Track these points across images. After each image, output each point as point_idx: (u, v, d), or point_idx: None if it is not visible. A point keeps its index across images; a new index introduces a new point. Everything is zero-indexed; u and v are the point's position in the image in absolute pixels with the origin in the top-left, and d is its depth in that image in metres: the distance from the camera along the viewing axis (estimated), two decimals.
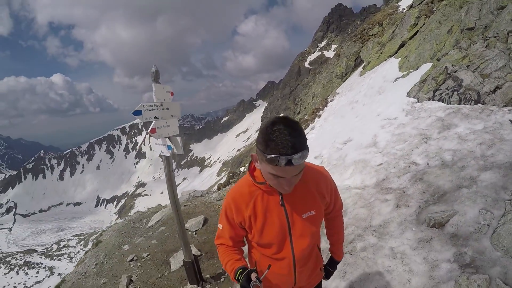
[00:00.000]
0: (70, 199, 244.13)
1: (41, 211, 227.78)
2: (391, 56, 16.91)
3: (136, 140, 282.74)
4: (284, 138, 1.66)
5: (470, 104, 7.68)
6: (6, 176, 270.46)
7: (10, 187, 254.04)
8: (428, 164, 5.80)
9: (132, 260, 6.76)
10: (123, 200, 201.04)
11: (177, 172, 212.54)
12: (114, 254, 7.38)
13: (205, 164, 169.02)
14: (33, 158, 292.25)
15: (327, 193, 2.27)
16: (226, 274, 5.55)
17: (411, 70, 12.05)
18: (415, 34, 15.96)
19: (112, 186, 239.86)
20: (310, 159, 9.18)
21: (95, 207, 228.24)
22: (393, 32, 19.93)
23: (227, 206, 2.21)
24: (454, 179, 4.88)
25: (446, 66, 9.01)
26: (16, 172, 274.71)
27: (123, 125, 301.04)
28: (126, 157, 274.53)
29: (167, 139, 4.41)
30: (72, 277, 7.29)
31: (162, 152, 4.52)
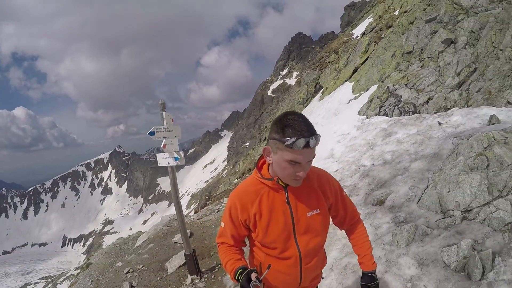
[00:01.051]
0: (35, 240, 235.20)
1: (4, 253, 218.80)
2: (346, 81, 18.45)
3: (101, 175, 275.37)
4: (300, 123, 1.83)
5: (408, 115, 9.42)
6: None
7: None
8: (373, 164, 7.44)
9: (128, 272, 7.52)
10: (90, 239, 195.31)
11: (145, 207, 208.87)
12: (108, 271, 8.04)
13: (172, 199, 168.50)
14: None
15: (330, 193, 2.35)
16: (219, 265, 6.68)
17: (362, 92, 13.74)
18: (366, 59, 17.64)
19: (79, 224, 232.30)
20: None
21: (61, 247, 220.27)
22: (347, 59, 21.80)
23: (232, 204, 2.25)
24: (392, 171, 6.46)
25: (388, 86, 10.81)
26: None
27: (88, 161, 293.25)
28: (92, 194, 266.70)
29: (174, 152, 5.83)
30: None
31: (169, 164, 5.88)
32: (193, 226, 9.92)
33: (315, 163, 9.46)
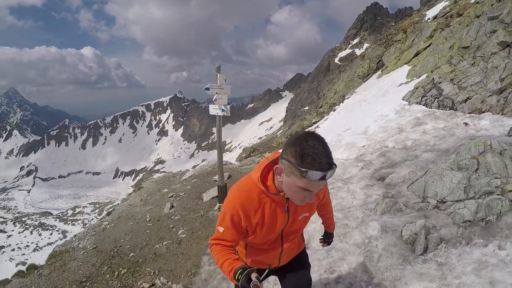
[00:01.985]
0: (90, 168, 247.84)
1: (60, 177, 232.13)
2: (406, 63, 18.46)
3: (160, 118, 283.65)
4: (320, 153, 1.79)
5: (445, 110, 9.80)
6: (30, 141, 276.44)
7: (33, 151, 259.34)
8: (394, 147, 8.11)
9: (171, 196, 9.18)
10: (141, 175, 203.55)
11: (197, 153, 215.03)
12: (156, 194, 9.86)
13: (225, 148, 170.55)
14: (57, 125, 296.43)
15: (321, 194, 2.57)
16: None
17: (414, 78, 13.98)
18: (429, 46, 17.59)
19: (132, 160, 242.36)
20: None
21: (113, 178, 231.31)
22: (412, 41, 21.59)
23: (234, 211, 2.23)
24: (404, 156, 7.14)
25: (433, 78, 11.14)
26: (40, 137, 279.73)
27: (149, 102, 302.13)
28: (148, 133, 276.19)
29: (222, 105, 7.15)
30: (120, 207, 9.75)
31: (218, 113, 7.21)
32: (233, 171, 11.28)
33: (347, 137, 10.08)
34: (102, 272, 5.83)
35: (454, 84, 10.49)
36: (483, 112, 9.06)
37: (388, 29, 55.61)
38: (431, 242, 4.08)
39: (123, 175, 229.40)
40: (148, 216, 8.09)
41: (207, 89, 6.98)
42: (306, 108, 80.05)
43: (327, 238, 3.20)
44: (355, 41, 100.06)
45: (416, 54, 18.43)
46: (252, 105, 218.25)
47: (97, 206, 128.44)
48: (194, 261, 5.81)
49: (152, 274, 5.58)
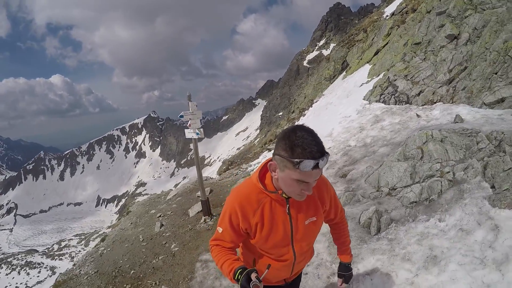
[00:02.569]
0: (71, 200, 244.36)
1: (41, 211, 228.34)
2: (367, 63, 19.36)
3: (136, 140, 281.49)
4: (309, 143, 1.79)
5: (402, 105, 10.64)
6: (7, 177, 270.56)
7: (11, 188, 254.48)
8: (355, 145, 8.92)
9: (159, 216, 9.83)
10: (123, 200, 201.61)
11: (177, 171, 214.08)
12: (144, 216, 10.50)
13: (205, 163, 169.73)
14: (33, 159, 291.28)
15: (327, 200, 2.44)
16: None
17: (374, 77, 14.84)
18: (387, 43, 18.39)
19: (113, 186, 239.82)
20: None
21: (95, 207, 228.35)
22: (372, 40, 22.54)
23: (232, 211, 2.24)
24: (364, 152, 7.92)
25: (388, 76, 12.02)
26: (17, 173, 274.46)
27: (123, 125, 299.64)
28: (126, 157, 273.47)
29: (196, 129, 8.05)
30: (112, 233, 10.37)
31: (193, 137, 8.12)
32: (214, 185, 12.00)
33: None
34: None
35: (408, 80, 11.36)
36: (435, 102, 9.91)
37: (352, 27, 56.80)
38: (383, 223, 4.81)
39: (105, 203, 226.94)
40: (141, 237, 8.74)
41: (181, 116, 7.91)
42: (280, 113, 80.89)
43: (343, 271, 2.88)
44: (321, 42, 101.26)
45: (376, 53, 19.27)
46: (226, 116, 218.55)
47: (83, 237, 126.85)
48: (188, 269, 6.51)
49: (154, 285, 6.27)
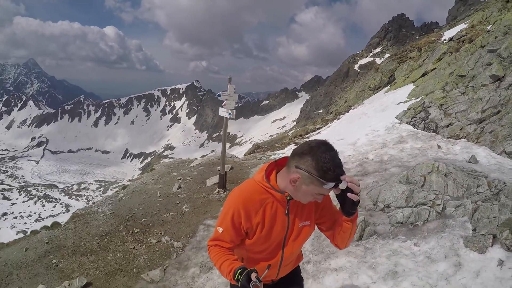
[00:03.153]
0: (100, 146, 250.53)
1: (69, 151, 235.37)
2: (412, 82, 19.29)
3: (174, 104, 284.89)
4: (338, 166, 1.95)
5: (428, 132, 10.96)
6: (44, 113, 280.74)
7: (46, 124, 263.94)
8: (373, 159, 9.37)
9: (179, 179, 10.70)
10: (149, 158, 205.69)
11: (207, 143, 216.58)
12: (166, 176, 11.42)
13: (235, 142, 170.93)
14: (72, 101, 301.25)
15: (321, 204, 2.51)
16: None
17: (413, 99, 15.01)
18: (435, 68, 18.44)
19: (142, 142, 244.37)
20: None
21: (121, 158, 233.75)
22: (423, 61, 22.46)
23: (235, 211, 2.28)
24: (377, 168, 8.38)
25: (424, 101, 12.28)
26: (54, 110, 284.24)
27: (165, 87, 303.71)
28: (161, 118, 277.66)
29: (229, 109, 8.79)
30: (133, 184, 11.24)
31: (225, 116, 8.87)
32: (236, 163, 12.82)
33: (338, 147, 11.36)
34: (119, 230, 7.48)
35: (442, 109, 11.63)
36: (460, 138, 10.17)
37: (411, 41, 55.93)
38: (366, 233, 5.34)
39: (131, 157, 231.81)
40: (158, 193, 9.71)
41: (219, 95, 8.79)
42: (320, 111, 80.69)
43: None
44: (377, 50, 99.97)
45: (423, 75, 19.15)
46: (267, 101, 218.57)
47: (103, 184, 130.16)
48: (192, 228, 7.43)
49: (159, 234, 7.26)
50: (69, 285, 5.58)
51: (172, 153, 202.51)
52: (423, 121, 11.57)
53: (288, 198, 2.25)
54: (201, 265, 6.15)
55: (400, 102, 15.43)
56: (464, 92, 12.06)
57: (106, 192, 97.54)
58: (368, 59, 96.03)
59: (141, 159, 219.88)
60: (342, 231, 2.41)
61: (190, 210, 8.40)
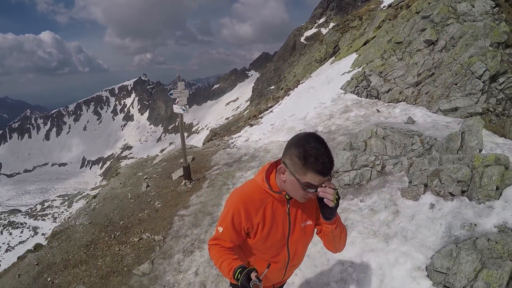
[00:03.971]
0: (56, 160, 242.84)
1: (25, 171, 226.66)
2: (355, 51, 20.21)
3: (124, 102, 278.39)
4: (322, 154, 1.93)
5: (371, 99, 11.84)
6: None
7: None
8: (322, 131, 10.12)
9: (146, 178, 11.08)
10: (108, 162, 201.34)
11: (164, 136, 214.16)
12: (132, 177, 11.80)
13: (192, 130, 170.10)
14: (19, 117, 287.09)
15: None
16: (204, 176, 10.03)
17: (356, 68, 15.89)
18: (375, 36, 19.27)
19: (98, 147, 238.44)
20: (267, 126, 13.34)
21: (80, 168, 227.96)
22: (364, 29, 23.39)
23: (236, 210, 2.30)
24: (326, 138, 8.89)
25: (364, 71, 13.15)
26: (1, 131, 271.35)
27: (112, 87, 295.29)
28: (113, 119, 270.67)
29: (182, 106, 9.27)
30: (102, 191, 11.67)
31: (180, 112, 9.36)
32: (197, 153, 13.14)
33: (289, 122, 12.02)
34: (101, 236, 7.91)
35: (381, 76, 12.53)
36: (400, 101, 11.11)
37: (354, 9, 56.81)
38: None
39: (90, 164, 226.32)
40: (129, 195, 10.10)
41: (171, 94, 9.24)
42: (272, 87, 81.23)
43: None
44: (321, 20, 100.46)
45: (365, 43, 20.06)
46: (218, 85, 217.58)
47: (66, 198, 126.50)
48: (168, 221, 7.99)
49: (139, 232, 7.76)
50: None
51: (131, 153, 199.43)
52: (365, 89, 12.45)
53: (287, 197, 2.30)
54: (183, 250, 6.71)
55: (345, 73, 16.26)
56: (401, 58, 12.98)
57: (71, 206, 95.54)
58: (314, 30, 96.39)
59: (100, 164, 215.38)
60: (325, 234, 2.46)
61: (162, 205, 8.96)
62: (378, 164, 6.33)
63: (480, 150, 5.46)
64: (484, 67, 9.67)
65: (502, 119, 9.36)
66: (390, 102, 11.27)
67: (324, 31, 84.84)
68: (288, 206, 2.33)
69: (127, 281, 6.29)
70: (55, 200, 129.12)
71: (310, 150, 1.92)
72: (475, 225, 4.10)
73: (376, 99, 11.73)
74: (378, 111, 10.35)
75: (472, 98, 9.46)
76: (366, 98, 12.07)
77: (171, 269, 6.35)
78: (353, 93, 12.77)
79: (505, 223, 3.90)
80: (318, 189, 2.09)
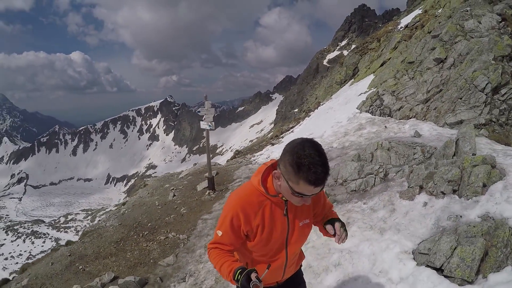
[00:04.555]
0: (81, 175, 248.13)
1: (51, 184, 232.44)
2: (373, 73, 20.88)
3: (150, 122, 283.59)
4: (316, 163, 1.85)
5: (384, 117, 12.63)
6: (20, 148, 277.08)
7: (23, 159, 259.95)
8: (336, 147, 10.99)
9: (172, 189, 12.19)
10: (132, 180, 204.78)
11: (189, 157, 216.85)
12: (159, 188, 12.93)
13: (216, 151, 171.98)
14: (47, 132, 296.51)
15: (318, 201, 2.57)
16: (227, 188, 11.03)
17: (372, 88, 16.62)
18: (391, 57, 19.98)
19: (123, 165, 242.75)
20: None
21: (104, 184, 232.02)
22: (381, 51, 24.08)
23: (234, 214, 2.29)
24: (339, 153, 10.00)
25: (378, 91, 13.98)
26: (30, 144, 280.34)
27: (139, 107, 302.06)
28: (139, 139, 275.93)
29: (209, 122, 10.35)
30: (131, 200, 12.68)
31: (206, 128, 10.44)
32: (220, 169, 14.33)
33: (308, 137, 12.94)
34: (131, 235, 9.00)
35: (394, 95, 13.31)
36: (410, 118, 11.84)
37: (375, 30, 57.40)
38: (330, 201, 6.87)
39: (114, 181, 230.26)
40: (156, 202, 11.21)
41: (199, 111, 10.46)
42: (296, 110, 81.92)
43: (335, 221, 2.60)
44: (343, 42, 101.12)
45: (382, 64, 20.71)
46: (242, 108, 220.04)
47: (90, 212, 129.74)
48: (192, 224, 8.98)
49: (165, 232, 8.79)
50: (100, 280, 6.90)
51: (155, 172, 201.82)
52: (379, 108, 13.25)
53: (284, 199, 2.28)
54: (204, 246, 7.59)
55: (361, 93, 17.03)
56: (412, 77, 13.71)
57: (94, 221, 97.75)
58: (336, 52, 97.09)
59: (125, 182, 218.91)
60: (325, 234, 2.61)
61: (188, 211, 9.92)
62: (381, 172, 7.14)
63: (474, 155, 6.05)
64: (487, 80, 10.29)
65: (506, 129, 9.97)
66: (401, 119, 12.02)
67: (346, 53, 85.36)
68: (286, 207, 2.35)
69: (153, 270, 7.17)
70: (78, 213, 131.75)
71: (304, 158, 1.87)
72: (461, 216, 4.76)
73: (389, 117, 12.50)
74: (386, 127, 11.14)
75: (476, 111, 10.11)
76: (379, 116, 12.85)
77: (193, 261, 7.20)
78: (368, 112, 13.57)
79: (487, 213, 4.50)
80: (336, 240, 2.38)
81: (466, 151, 6.17)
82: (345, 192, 7.20)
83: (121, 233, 9.18)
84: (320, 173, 1.86)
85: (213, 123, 10.61)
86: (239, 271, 2.15)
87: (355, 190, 7.10)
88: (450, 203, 5.17)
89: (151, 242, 8.43)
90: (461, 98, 10.76)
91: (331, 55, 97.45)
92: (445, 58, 12.91)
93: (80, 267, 7.80)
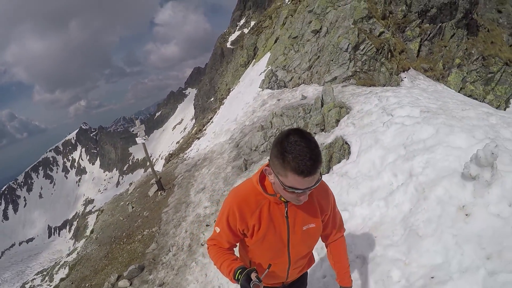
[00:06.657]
0: (21, 238, 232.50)
1: None
2: (269, 51, 23.32)
3: (72, 157, 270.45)
4: (301, 150, 1.76)
5: (280, 89, 15.78)
6: None
7: None
8: (247, 124, 13.96)
9: (128, 203, 14.53)
10: (75, 223, 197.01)
11: (122, 179, 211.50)
12: (116, 208, 15.26)
13: (147, 164, 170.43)
14: None
15: (326, 207, 2.50)
16: (174, 185, 13.53)
17: (269, 66, 19.40)
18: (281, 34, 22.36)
19: (60, 212, 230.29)
20: (210, 134, 17.13)
21: (48, 238, 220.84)
22: (273, 28, 26.30)
23: (230, 211, 2.30)
24: (250, 128, 13.06)
25: (272, 68, 17.12)
26: None
27: (56, 145, 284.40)
28: (66, 178, 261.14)
29: (142, 137, 12.88)
30: (97, 226, 15.07)
31: (142, 141, 12.93)
32: (162, 173, 16.79)
33: (225, 125, 15.90)
34: (113, 247, 11.16)
35: (285, 69, 16.44)
36: (299, 85, 14.96)
37: (270, 3, 59.26)
38: (248, 164, 9.88)
39: (57, 231, 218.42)
40: (121, 218, 13.40)
41: (133, 131, 12.83)
42: (212, 99, 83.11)
43: None
44: (242, 21, 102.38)
45: (276, 41, 23.01)
46: (159, 112, 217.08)
47: (45, 273, 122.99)
48: (157, 218, 11.37)
49: (140, 232, 11.12)
50: (108, 283, 8.91)
51: (94, 206, 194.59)
52: (275, 83, 16.39)
53: (282, 199, 2.23)
54: (173, 226, 10.05)
55: (261, 73, 19.98)
56: (297, 50, 16.76)
57: (52, 279, 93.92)
58: (237, 33, 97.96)
59: (68, 228, 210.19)
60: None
61: (150, 212, 12.33)
62: (277, 132, 10.25)
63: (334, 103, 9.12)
64: (348, 42, 13.46)
65: (369, 74, 13.22)
66: (294, 87, 15.14)
67: (246, 31, 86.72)
68: (286, 208, 2.29)
69: (144, 258, 9.42)
70: (34, 279, 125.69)
71: (288, 146, 1.79)
72: (323, 144, 7.64)
73: (285, 88, 15.63)
74: (278, 100, 14.28)
75: (344, 67, 13.35)
76: (277, 89, 15.95)
77: (170, 238, 9.69)
78: (268, 89, 16.62)
79: (336, 136, 7.12)
80: None
81: (328, 101, 9.07)
82: (258, 154, 10.25)
83: (105, 249, 11.30)
84: (308, 160, 1.78)
85: (146, 136, 13.00)
86: (239, 270, 2.22)
87: (264, 151, 10.16)
88: (319, 138, 7.99)
89: (132, 243, 10.62)
90: (332, 60, 13.89)
91: (232, 37, 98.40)
92: (320, 28, 15.89)
93: (87, 285, 9.73)
